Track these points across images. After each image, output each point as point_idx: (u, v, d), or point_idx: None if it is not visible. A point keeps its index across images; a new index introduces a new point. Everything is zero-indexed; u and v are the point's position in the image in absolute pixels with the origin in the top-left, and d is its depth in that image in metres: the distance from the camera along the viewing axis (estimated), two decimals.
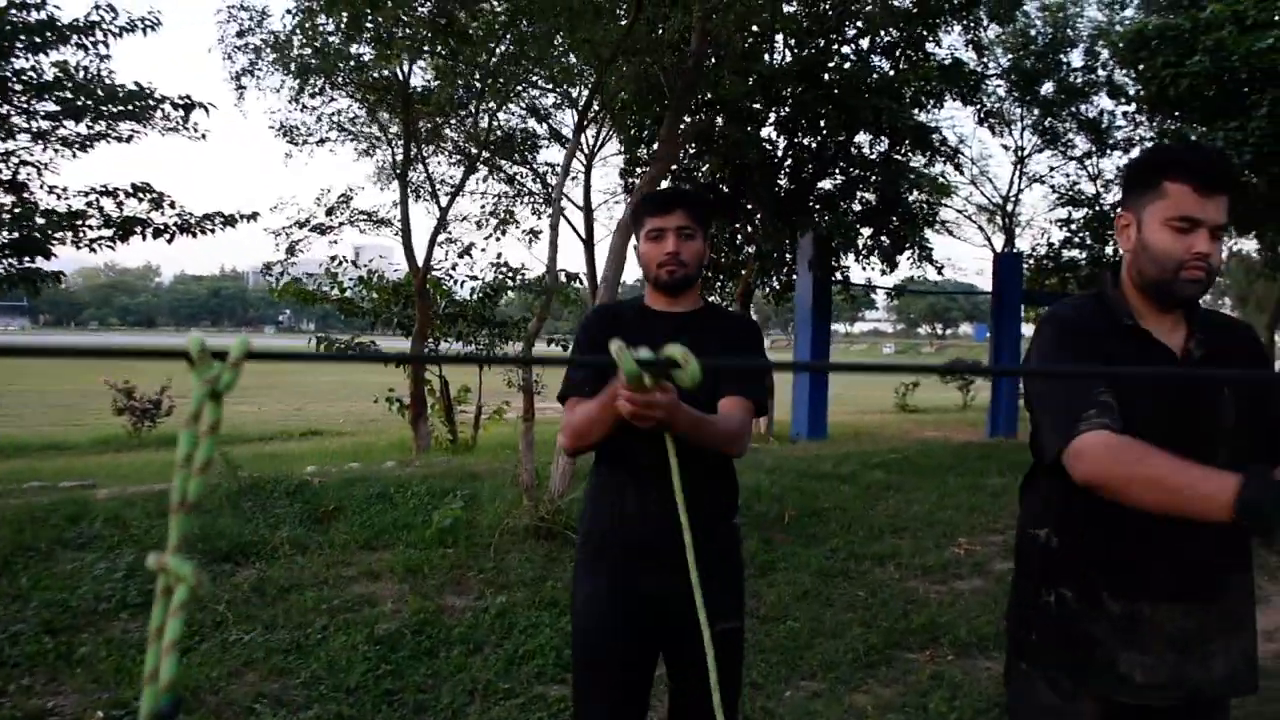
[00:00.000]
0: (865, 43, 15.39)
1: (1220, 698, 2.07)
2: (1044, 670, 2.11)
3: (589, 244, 18.90)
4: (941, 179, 17.61)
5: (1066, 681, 2.06)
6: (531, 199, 15.27)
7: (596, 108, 10.76)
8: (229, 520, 6.56)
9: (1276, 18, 11.52)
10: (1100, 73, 18.70)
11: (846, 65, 15.05)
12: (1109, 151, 19.94)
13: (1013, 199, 23.68)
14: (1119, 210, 2.10)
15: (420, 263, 12.69)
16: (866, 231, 14.66)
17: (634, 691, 2.61)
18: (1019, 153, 22.68)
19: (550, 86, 9.79)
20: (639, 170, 13.93)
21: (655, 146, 9.73)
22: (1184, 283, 1.96)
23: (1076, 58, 19.01)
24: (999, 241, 24.68)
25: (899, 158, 15.20)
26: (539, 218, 15.19)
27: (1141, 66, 13.36)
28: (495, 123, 12.92)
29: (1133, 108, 17.32)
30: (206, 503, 6.92)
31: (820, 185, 15.03)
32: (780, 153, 14.63)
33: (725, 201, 14.25)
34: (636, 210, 2.82)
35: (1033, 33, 19.09)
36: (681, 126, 8.97)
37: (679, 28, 8.92)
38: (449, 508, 6.76)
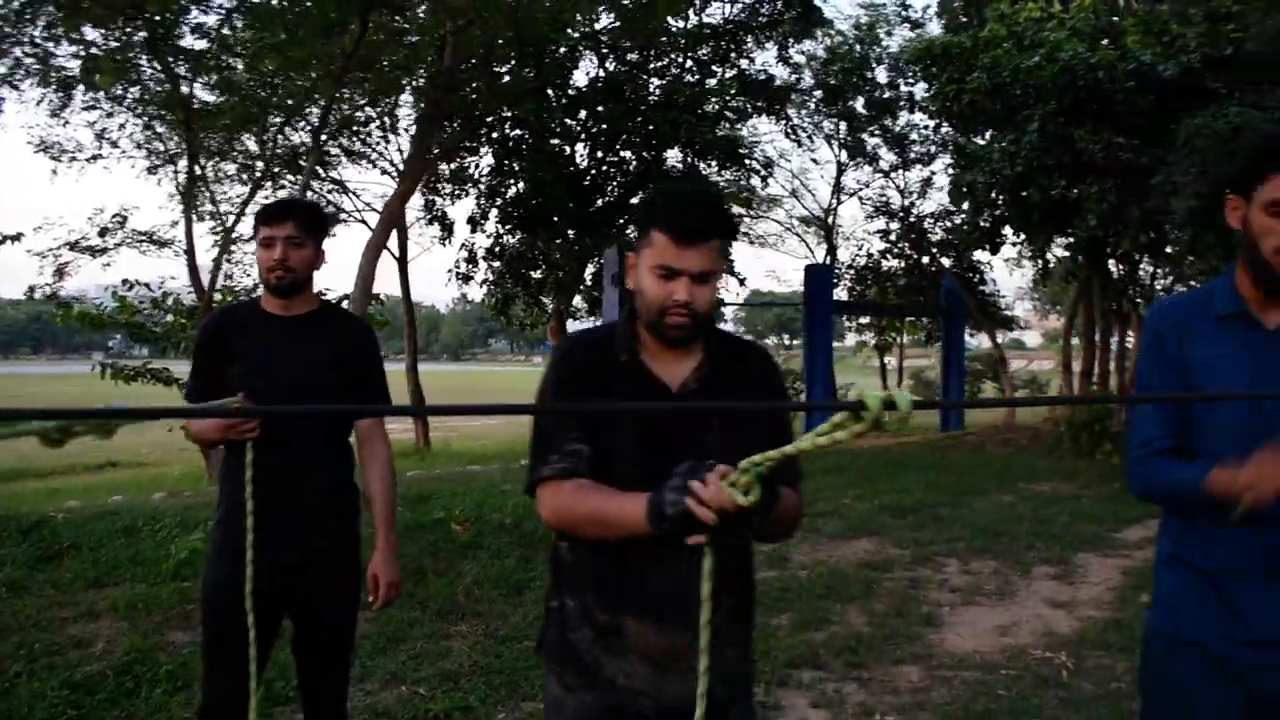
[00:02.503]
0: (679, 59, 15.60)
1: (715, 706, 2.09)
2: (553, 666, 2.20)
3: (403, 262, 18.60)
4: (745, 194, 17.91)
5: (570, 677, 2.14)
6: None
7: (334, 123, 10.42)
8: None
9: (1050, 37, 12.12)
10: (904, 89, 19.39)
11: (655, 81, 15.22)
12: (911, 165, 20.69)
13: (832, 211, 24.37)
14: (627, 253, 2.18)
15: (206, 285, 12.15)
16: None
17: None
18: (839, 166, 23.37)
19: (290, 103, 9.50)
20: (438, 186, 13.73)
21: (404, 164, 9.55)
22: (668, 326, 2.03)
23: (883, 74, 19.66)
24: (821, 253, 25.38)
25: (708, 172, 15.42)
26: (333, 235, 14.76)
27: (929, 82, 13.91)
28: (280, 138, 12.48)
29: (930, 122, 17.99)
30: None
31: (631, 202, 15.09)
32: (585, 169, 14.61)
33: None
34: (255, 219, 3.02)
35: (842, 50, 19.66)
36: (435, 145, 8.78)
37: (430, 44, 8.74)
38: (189, 539, 6.43)
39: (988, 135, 13.36)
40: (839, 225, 28.85)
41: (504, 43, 12.12)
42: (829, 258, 24.36)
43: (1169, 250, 12.25)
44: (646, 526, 1.76)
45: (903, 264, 22.53)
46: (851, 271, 23.57)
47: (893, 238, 21.82)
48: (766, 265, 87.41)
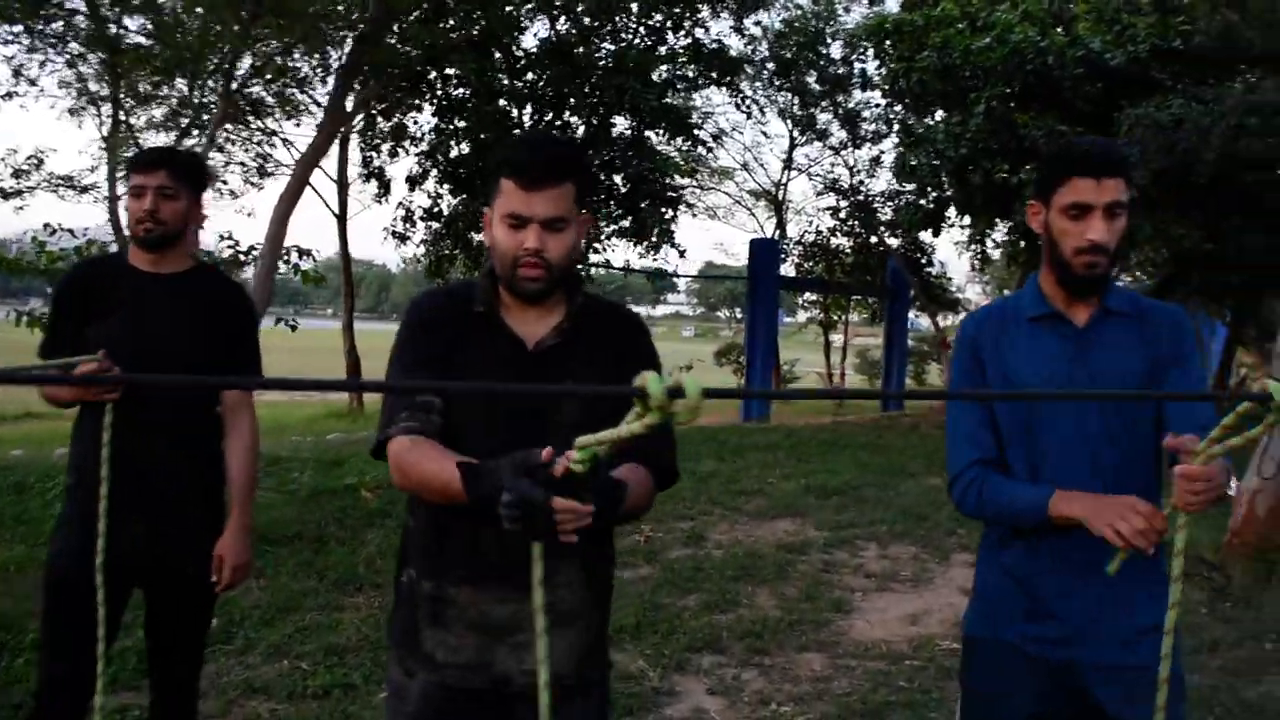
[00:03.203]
0: (633, 24, 15.31)
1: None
2: (394, 647, 2.13)
3: (342, 219, 18.21)
4: (691, 163, 17.70)
5: (408, 659, 2.07)
6: (244, 170, 14.33)
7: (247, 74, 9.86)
8: None
9: (1001, 18, 11.98)
10: (858, 66, 19.20)
11: (608, 46, 14.92)
12: (861, 143, 20.56)
13: (782, 186, 24.25)
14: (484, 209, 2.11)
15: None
16: (612, 214, 14.52)
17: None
18: (792, 140, 23.20)
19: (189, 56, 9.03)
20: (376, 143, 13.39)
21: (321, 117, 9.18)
22: (521, 278, 1.97)
23: (838, 50, 19.45)
24: (771, 228, 25.27)
25: (656, 140, 15.19)
26: (259, 190, 14.29)
27: (881, 59, 13.75)
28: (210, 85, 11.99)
29: (882, 100, 17.84)
30: None
31: None
32: (530, 132, 14.28)
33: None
34: (127, 167, 3.02)
35: (799, 24, 19.42)
36: (351, 96, 8.44)
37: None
38: None
39: (937, 116, 13.23)
40: (790, 201, 28.80)
41: None
42: (778, 233, 24.26)
43: None
44: (463, 498, 1.73)
45: (851, 242, 22.45)
46: (800, 248, 23.45)
47: (842, 215, 21.68)
48: (715, 238, 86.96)
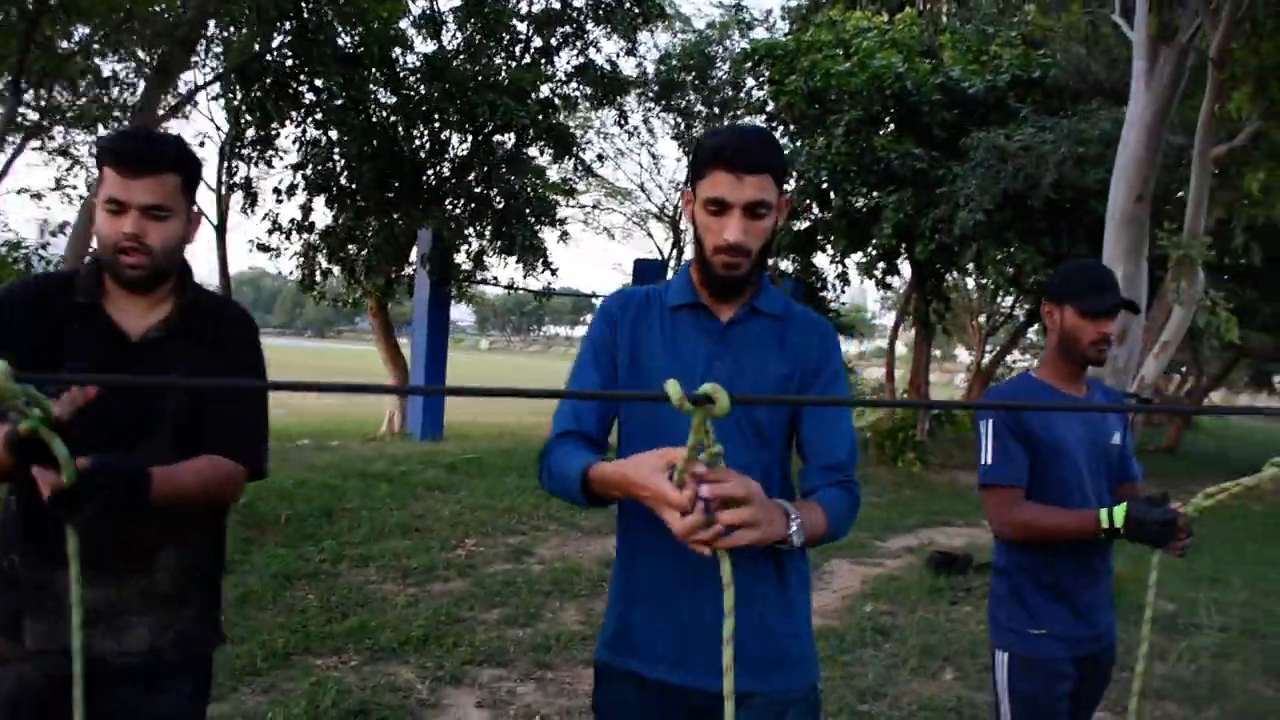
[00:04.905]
0: (522, 41, 15.26)
1: (147, 667, 2.03)
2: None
3: (221, 230, 17.75)
4: (571, 182, 17.68)
5: (5, 646, 1.99)
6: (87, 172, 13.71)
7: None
8: None
9: (867, 44, 12.20)
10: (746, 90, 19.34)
11: (495, 62, 14.84)
12: None
13: (677, 207, 24.28)
14: None
15: None
16: (479, 229, 14.40)
17: None
18: (684, 153, 23.22)
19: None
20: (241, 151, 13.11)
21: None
22: (121, 265, 1.96)
23: (723, 73, 19.55)
24: (669, 247, 25.30)
25: (535, 158, 15.11)
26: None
27: (756, 81, 13.91)
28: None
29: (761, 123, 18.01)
30: None
31: (456, 182, 14.65)
32: (405, 146, 14.09)
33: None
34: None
35: (689, 46, 19.52)
36: (166, 99, 8.15)
37: None
38: None
39: (795, 139, 13.40)
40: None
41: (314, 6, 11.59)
42: (675, 252, 24.30)
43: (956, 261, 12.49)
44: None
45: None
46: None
47: None
48: (614, 258, 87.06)
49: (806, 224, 13.90)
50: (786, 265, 21.35)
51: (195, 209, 2.09)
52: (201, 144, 15.83)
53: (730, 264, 1.89)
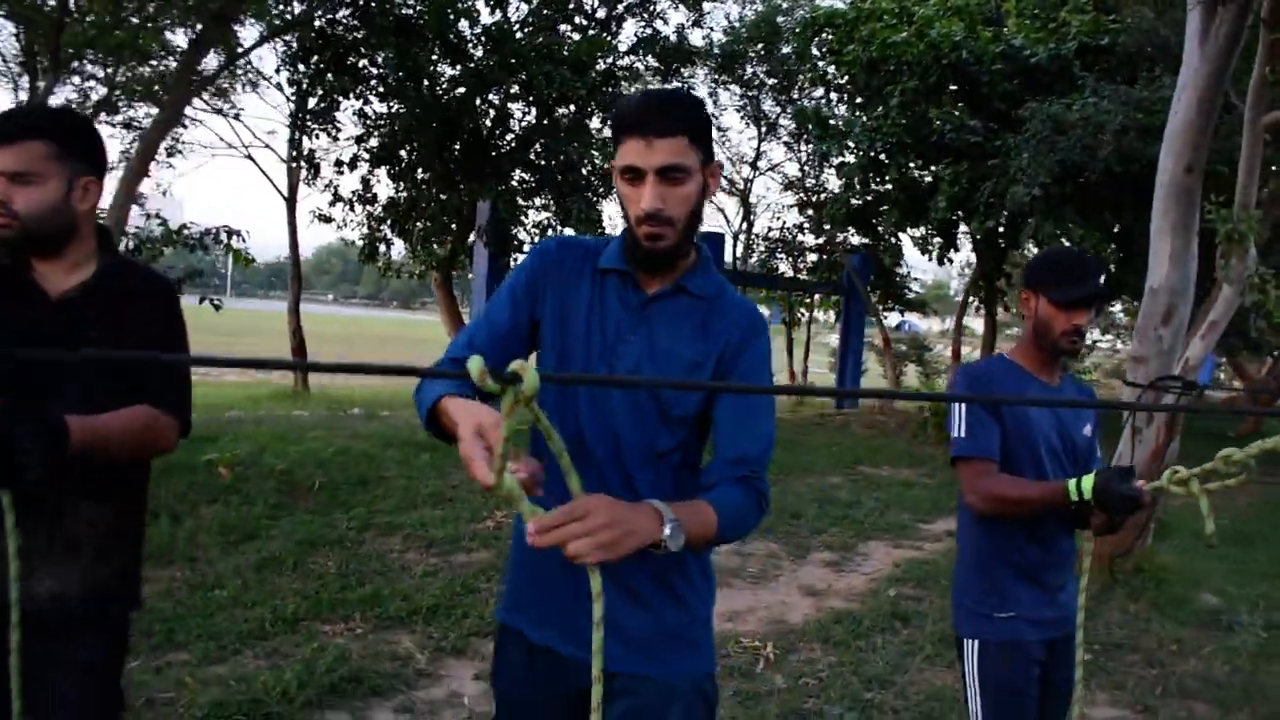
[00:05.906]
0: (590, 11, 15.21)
1: (55, 616, 2.06)
2: None
3: (291, 201, 18.06)
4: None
5: None
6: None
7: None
8: None
9: (926, 12, 11.86)
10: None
11: (564, 32, 14.83)
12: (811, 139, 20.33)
13: (747, 181, 24.05)
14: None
15: None
16: (540, 203, 14.39)
17: None
18: (760, 133, 22.96)
19: None
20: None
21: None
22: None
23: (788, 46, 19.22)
24: (738, 222, 25.07)
25: (595, 129, 15.02)
26: (174, 169, 13.93)
27: (818, 51, 13.62)
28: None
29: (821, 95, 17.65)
30: None
31: (524, 155, 14.64)
32: (468, 118, 14.06)
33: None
34: None
35: (754, 18, 19.21)
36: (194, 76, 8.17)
37: None
38: None
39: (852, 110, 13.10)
40: (763, 197, 28.58)
41: None
42: (745, 225, 24.06)
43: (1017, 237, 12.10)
44: None
45: (816, 239, 22.15)
46: (764, 244, 23.23)
47: (809, 213, 21.45)
48: None
49: (869, 198, 13.62)
50: (856, 239, 21.00)
51: (90, 179, 2.14)
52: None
53: (653, 234, 1.82)
